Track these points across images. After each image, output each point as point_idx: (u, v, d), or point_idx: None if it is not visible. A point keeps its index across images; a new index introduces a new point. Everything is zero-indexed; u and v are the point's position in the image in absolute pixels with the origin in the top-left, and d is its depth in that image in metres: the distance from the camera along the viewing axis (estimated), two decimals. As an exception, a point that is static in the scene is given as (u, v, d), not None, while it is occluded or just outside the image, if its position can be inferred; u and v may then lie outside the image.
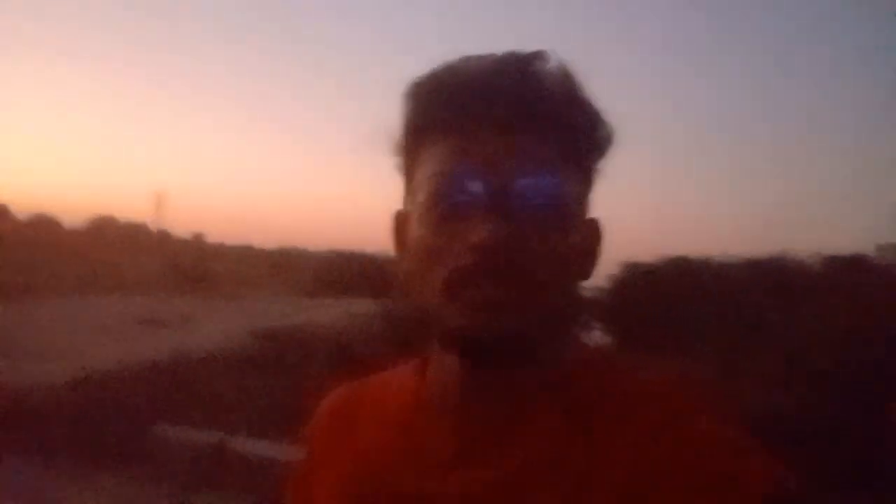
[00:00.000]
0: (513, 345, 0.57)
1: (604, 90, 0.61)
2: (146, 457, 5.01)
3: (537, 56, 0.60)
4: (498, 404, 0.61)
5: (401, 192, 0.67)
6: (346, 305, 16.55)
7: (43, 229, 24.96)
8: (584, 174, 0.62)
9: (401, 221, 0.67)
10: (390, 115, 0.64)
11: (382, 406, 0.70)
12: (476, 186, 0.57)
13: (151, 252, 25.56)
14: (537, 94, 0.58)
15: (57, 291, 14.87)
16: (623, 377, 0.62)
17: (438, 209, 0.59)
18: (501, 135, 0.58)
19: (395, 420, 0.67)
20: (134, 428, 5.39)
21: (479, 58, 0.61)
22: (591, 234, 0.64)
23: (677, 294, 12.23)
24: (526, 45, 0.61)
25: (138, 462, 4.97)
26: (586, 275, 0.64)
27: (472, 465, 0.59)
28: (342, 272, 26.10)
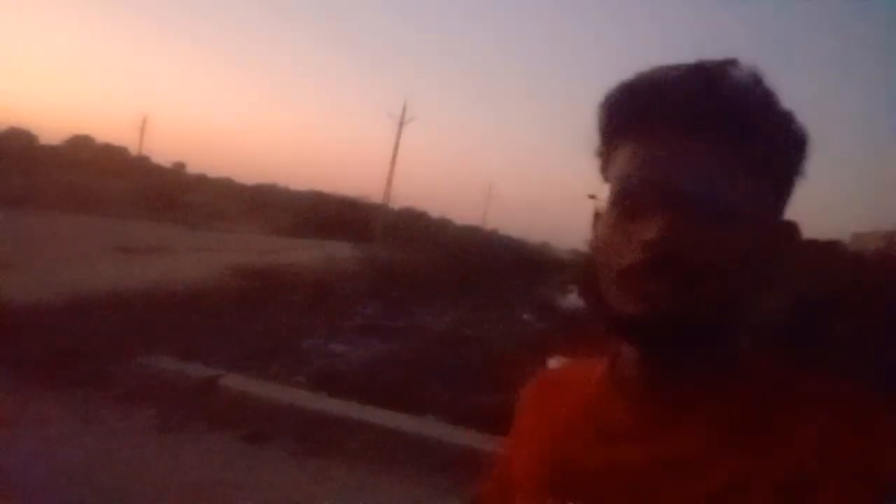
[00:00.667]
0: (673, 333, 0.62)
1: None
2: (124, 382, 4.97)
3: (728, 64, 0.62)
4: (673, 389, 0.66)
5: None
6: (326, 247, 16.55)
7: (17, 142, 24.35)
8: (774, 178, 0.64)
9: (597, 219, 0.71)
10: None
11: (574, 388, 0.77)
12: (651, 188, 0.61)
13: (130, 177, 25.11)
14: (725, 101, 0.61)
15: (30, 206, 14.57)
16: (795, 377, 0.65)
17: (619, 208, 0.64)
18: (683, 139, 0.61)
19: (584, 400, 0.74)
20: (109, 353, 5.33)
21: (671, 67, 0.64)
22: (784, 236, 0.67)
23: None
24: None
25: (114, 385, 4.93)
26: (769, 277, 0.67)
27: (645, 441, 0.65)
28: (322, 213, 26.06)
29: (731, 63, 0.62)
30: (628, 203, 0.63)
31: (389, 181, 27.64)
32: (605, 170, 0.69)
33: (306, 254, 14.53)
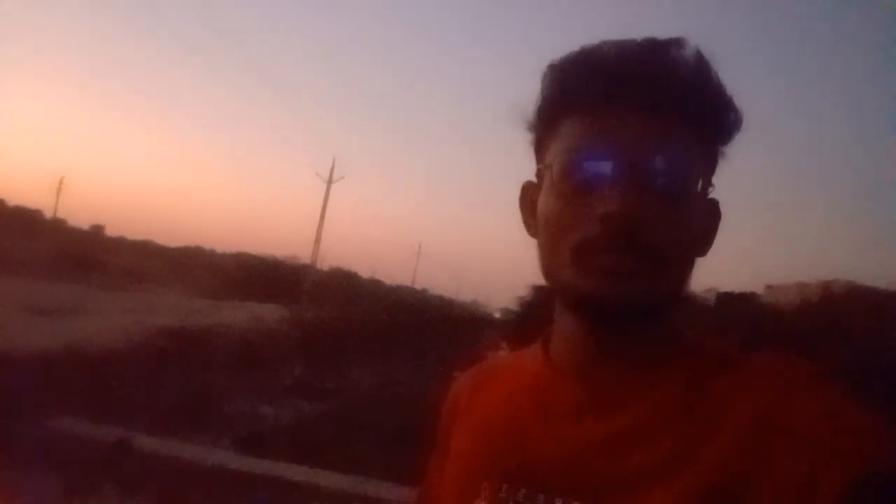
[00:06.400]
0: (634, 310, 0.61)
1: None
2: (37, 448, 4.66)
3: (675, 42, 0.63)
4: (619, 363, 0.65)
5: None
6: (252, 308, 16.14)
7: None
8: (710, 156, 0.65)
9: (529, 192, 0.71)
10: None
11: (514, 371, 0.76)
12: (608, 161, 0.60)
13: (44, 239, 24.06)
14: (673, 77, 0.61)
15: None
16: (736, 352, 0.65)
17: (572, 181, 0.62)
18: (636, 114, 0.61)
19: (526, 380, 0.72)
20: (21, 418, 5.01)
21: (618, 42, 0.64)
22: (712, 213, 0.68)
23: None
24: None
25: (28, 452, 4.61)
26: (703, 252, 0.67)
27: (594, 417, 0.64)
28: (248, 274, 25.49)
29: (680, 41, 0.63)
30: (582, 176, 0.62)
31: (318, 241, 27.37)
32: (544, 145, 0.68)
33: (231, 315, 14.14)
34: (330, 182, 26.33)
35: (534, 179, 0.71)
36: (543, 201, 0.66)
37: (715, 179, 0.64)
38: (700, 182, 0.63)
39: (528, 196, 0.71)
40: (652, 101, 0.60)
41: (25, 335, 8.08)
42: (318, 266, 29.31)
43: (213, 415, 6.79)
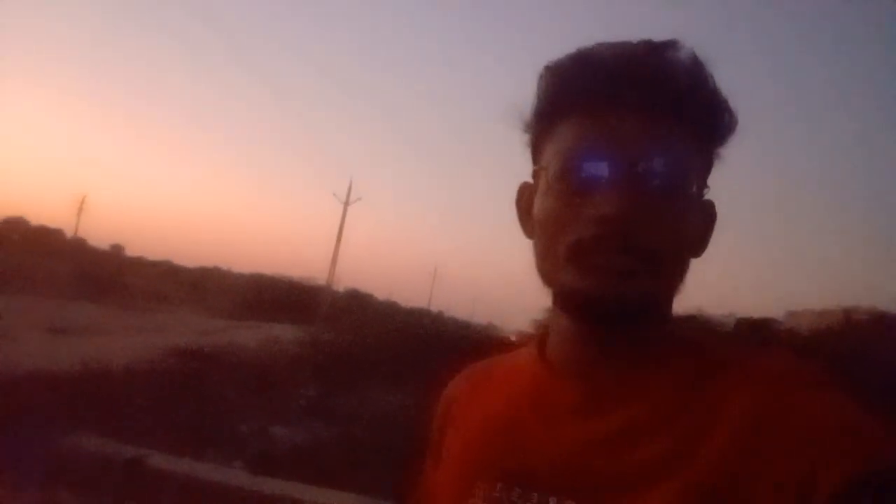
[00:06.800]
0: (630, 310, 0.61)
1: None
2: (52, 464, 4.67)
3: (670, 44, 0.63)
4: (616, 363, 0.65)
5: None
6: (267, 328, 16.14)
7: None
8: (706, 158, 0.66)
9: (525, 193, 0.72)
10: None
11: (509, 371, 0.76)
12: (605, 162, 0.61)
13: (64, 258, 24.33)
14: (669, 79, 0.62)
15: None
16: (733, 350, 0.65)
17: (568, 182, 0.63)
18: (632, 116, 0.61)
19: (521, 380, 0.72)
20: (40, 436, 5.03)
21: (614, 44, 0.64)
22: (707, 215, 0.68)
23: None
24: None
25: (43, 470, 4.63)
26: (698, 253, 0.67)
27: (591, 417, 0.64)
28: (264, 295, 25.55)
29: (675, 43, 0.63)
30: (578, 178, 0.62)
31: (334, 262, 27.49)
32: (540, 147, 0.68)
33: (247, 335, 14.16)
34: (347, 203, 26.50)
35: (530, 180, 0.71)
36: (539, 202, 0.66)
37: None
38: (695, 183, 0.64)
39: (525, 197, 0.71)
40: (648, 103, 0.61)
41: (45, 353, 8.14)
42: (334, 287, 29.38)
43: (227, 434, 6.78)
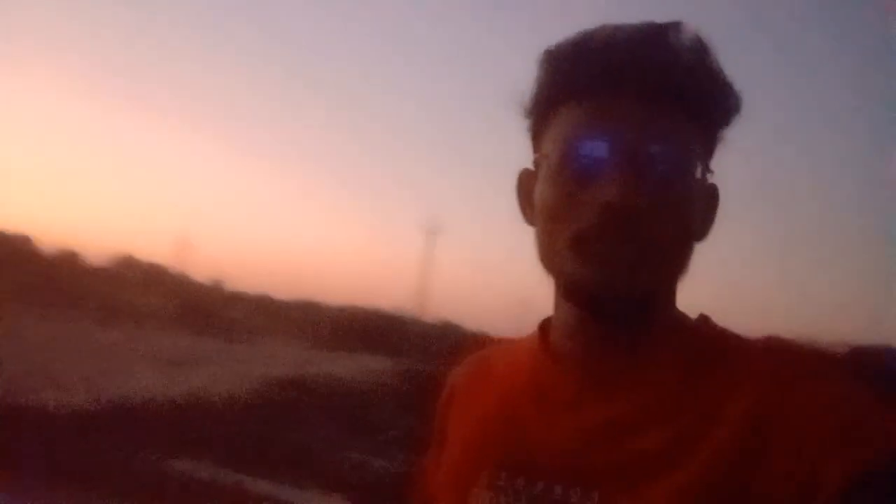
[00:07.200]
0: (633, 299, 0.60)
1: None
2: (159, 489, 4.85)
3: (673, 26, 0.61)
4: (618, 352, 0.64)
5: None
6: (363, 361, 16.40)
7: (66, 263, 25.19)
8: (709, 141, 0.64)
9: (525, 180, 0.70)
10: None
11: (511, 360, 0.74)
12: (608, 148, 0.59)
13: (169, 294, 25.65)
14: (671, 62, 0.60)
15: (75, 323, 14.86)
16: (737, 338, 0.63)
17: (570, 169, 0.61)
18: (635, 100, 0.59)
19: (524, 369, 0.71)
20: (146, 461, 5.24)
21: (616, 27, 0.62)
22: (711, 198, 0.66)
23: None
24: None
25: (150, 494, 4.80)
26: (701, 237, 0.66)
27: (593, 405, 0.62)
28: (358, 327, 26.05)
29: (677, 26, 0.61)
30: (580, 164, 0.60)
31: (424, 294, 27.75)
32: (540, 133, 0.66)
33: (342, 366, 14.43)
34: (434, 234, 26.75)
35: (531, 167, 0.69)
36: (541, 189, 0.64)
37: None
38: (699, 168, 0.62)
39: (525, 184, 0.69)
40: (650, 87, 0.59)
41: (155, 383, 8.54)
42: (424, 319, 29.61)
43: (325, 463, 6.86)
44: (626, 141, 0.59)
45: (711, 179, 0.65)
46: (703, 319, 0.66)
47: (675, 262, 0.62)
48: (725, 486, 0.53)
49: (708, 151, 0.64)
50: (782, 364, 0.58)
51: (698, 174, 0.62)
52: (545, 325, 0.72)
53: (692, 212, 0.62)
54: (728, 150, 0.65)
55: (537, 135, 0.67)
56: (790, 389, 0.55)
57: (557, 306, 0.68)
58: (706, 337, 0.64)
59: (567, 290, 0.64)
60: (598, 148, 0.59)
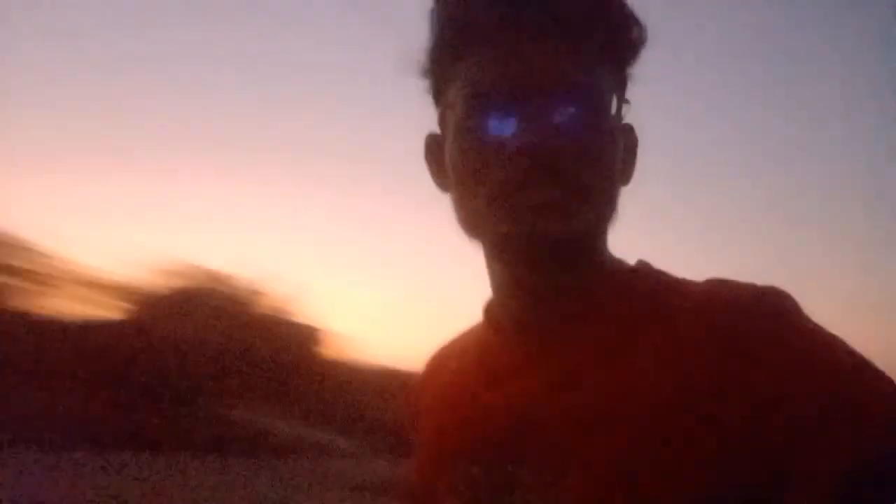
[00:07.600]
0: (567, 244, 0.58)
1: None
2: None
3: None
4: (556, 307, 0.62)
5: None
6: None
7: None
8: (620, 78, 0.62)
9: (433, 145, 0.66)
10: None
11: (462, 347, 0.74)
12: (516, 96, 0.56)
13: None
14: (592, 1, 0.59)
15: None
16: (676, 282, 0.62)
17: (478, 121, 0.58)
18: (537, 42, 0.57)
19: (471, 350, 0.70)
20: None
21: None
22: (629, 138, 0.64)
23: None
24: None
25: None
26: (626, 180, 0.64)
27: (534, 370, 0.61)
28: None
29: None
30: (490, 113, 0.57)
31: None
32: (442, 89, 0.63)
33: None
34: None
35: (436, 130, 0.65)
36: (452, 148, 0.61)
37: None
38: (612, 105, 0.60)
39: (433, 149, 0.66)
40: (553, 25, 0.57)
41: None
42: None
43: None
44: (534, 83, 0.56)
45: (626, 118, 0.62)
46: (643, 264, 0.64)
47: (603, 202, 0.59)
48: (684, 437, 0.52)
49: (620, 89, 0.61)
50: (725, 304, 0.56)
51: (613, 111, 0.59)
52: (489, 304, 0.68)
53: (613, 150, 0.59)
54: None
55: (438, 92, 0.63)
56: (739, 334, 0.54)
57: (490, 273, 0.65)
58: (646, 281, 0.61)
59: (496, 248, 0.61)
60: (504, 97, 0.56)
